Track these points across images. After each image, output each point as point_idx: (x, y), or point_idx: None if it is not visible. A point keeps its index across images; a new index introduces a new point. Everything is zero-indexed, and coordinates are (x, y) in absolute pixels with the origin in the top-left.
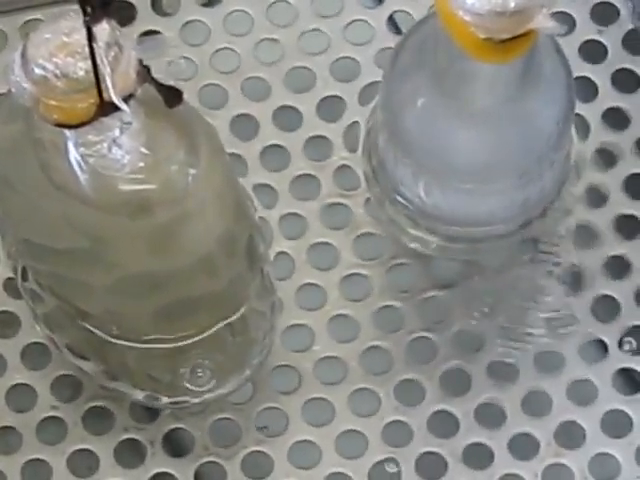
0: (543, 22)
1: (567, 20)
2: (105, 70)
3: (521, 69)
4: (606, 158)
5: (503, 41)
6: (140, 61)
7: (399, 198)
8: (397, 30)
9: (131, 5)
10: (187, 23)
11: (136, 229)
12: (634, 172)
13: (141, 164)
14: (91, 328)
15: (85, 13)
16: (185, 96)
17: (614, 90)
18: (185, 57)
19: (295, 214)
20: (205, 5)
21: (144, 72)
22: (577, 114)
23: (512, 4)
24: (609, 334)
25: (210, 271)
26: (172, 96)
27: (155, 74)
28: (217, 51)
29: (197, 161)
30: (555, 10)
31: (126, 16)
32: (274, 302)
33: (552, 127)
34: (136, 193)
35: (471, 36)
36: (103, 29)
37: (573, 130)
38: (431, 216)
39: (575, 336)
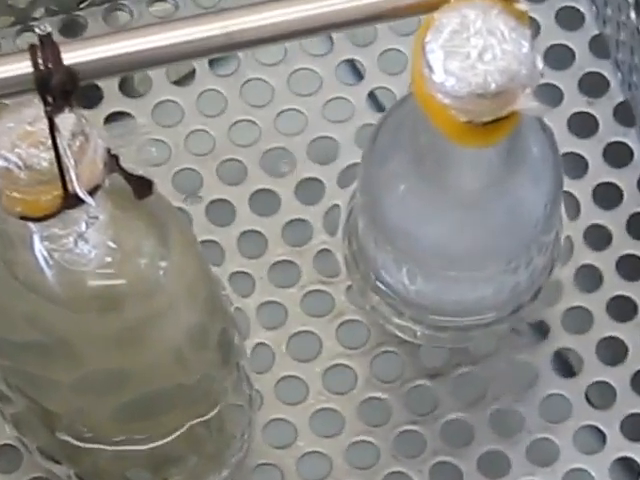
0: (526, 103)
1: (555, 92)
2: (69, 161)
3: (505, 151)
4: (598, 238)
5: (485, 124)
6: (108, 150)
7: (381, 285)
8: (378, 107)
9: (96, 87)
10: (158, 104)
11: (104, 325)
12: (627, 252)
13: (109, 259)
14: (60, 435)
15: (46, 103)
16: (158, 181)
17: (605, 165)
18: (157, 139)
19: (274, 302)
20: (177, 83)
21: (112, 162)
22: (566, 192)
23: (493, 85)
24: (604, 421)
25: (180, 366)
26: (142, 187)
27: (125, 161)
28: (191, 133)
29: (168, 253)
30: (542, 82)
31: (92, 98)
32: (251, 396)
33: (540, 210)
34: (104, 289)
35: (451, 119)
36: (67, 117)
37: (562, 209)
38: (415, 305)
39: (569, 424)
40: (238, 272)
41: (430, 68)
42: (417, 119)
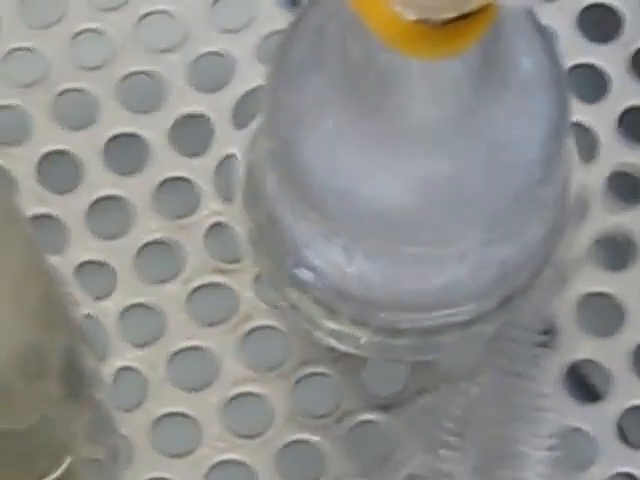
0: None
1: None
2: None
3: (478, 64)
4: (629, 187)
5: (445, 23)
6: None
7: (303, 272)
8: (290, 1)
9: None
10: None
11: None
12: None
13: None
14: None
15: None
16: None
17: (637, 79)
18: None
19: (144, 305)
20: None
21: None
22: (577, 123)
23: None
24: None
25: (5, 405)
26: None
27: None
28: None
29: None
30: None
31: None
32: (115, 445)
33: (535, 150)
34: None
35: (394, 19)
36: None
37: (571, 149)
38: (356, 298)
39: (595, 471)
40: (89, 261)
41: None
42: (346, 19)
